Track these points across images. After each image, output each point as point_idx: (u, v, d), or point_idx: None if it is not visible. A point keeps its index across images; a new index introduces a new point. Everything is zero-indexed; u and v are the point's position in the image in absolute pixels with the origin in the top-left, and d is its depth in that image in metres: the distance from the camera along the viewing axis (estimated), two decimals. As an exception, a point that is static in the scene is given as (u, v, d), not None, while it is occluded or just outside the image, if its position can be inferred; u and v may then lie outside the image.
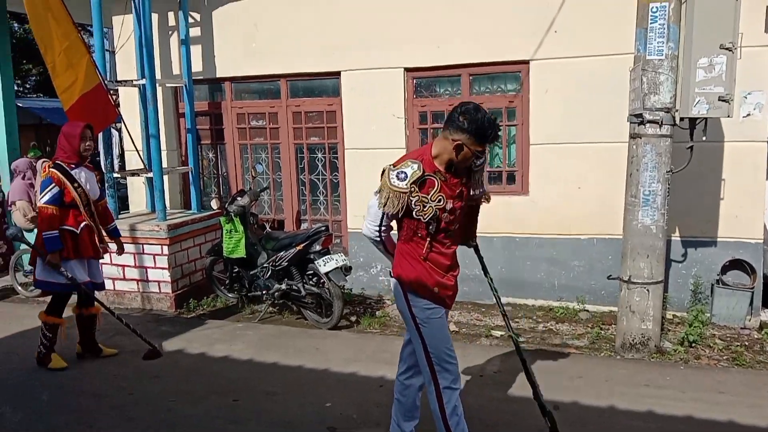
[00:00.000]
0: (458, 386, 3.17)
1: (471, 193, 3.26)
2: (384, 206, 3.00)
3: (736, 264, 5.73)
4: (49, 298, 5.01)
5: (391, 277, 3.24)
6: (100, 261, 5.13)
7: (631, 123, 4.96)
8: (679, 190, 5.52)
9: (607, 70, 5.83)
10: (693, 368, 4.82)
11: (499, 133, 3.17)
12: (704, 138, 4.95)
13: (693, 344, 5.17)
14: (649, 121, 4.79)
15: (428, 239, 3.08)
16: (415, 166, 2.98)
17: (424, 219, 3.00)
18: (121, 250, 5.34)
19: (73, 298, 5.05)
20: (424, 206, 2.98)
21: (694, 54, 4.57)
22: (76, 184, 4.72)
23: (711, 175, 5.76)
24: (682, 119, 4.79)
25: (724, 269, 5.75)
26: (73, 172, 4.74)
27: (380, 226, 3.13)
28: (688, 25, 4.62)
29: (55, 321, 4.91)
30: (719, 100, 4.57)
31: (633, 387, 4.43)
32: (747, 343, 5.32)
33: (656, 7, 4.61)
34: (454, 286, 3.24)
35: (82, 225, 4.80)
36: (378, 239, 3.19)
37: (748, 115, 5.25)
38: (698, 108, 4.63)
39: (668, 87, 4.71)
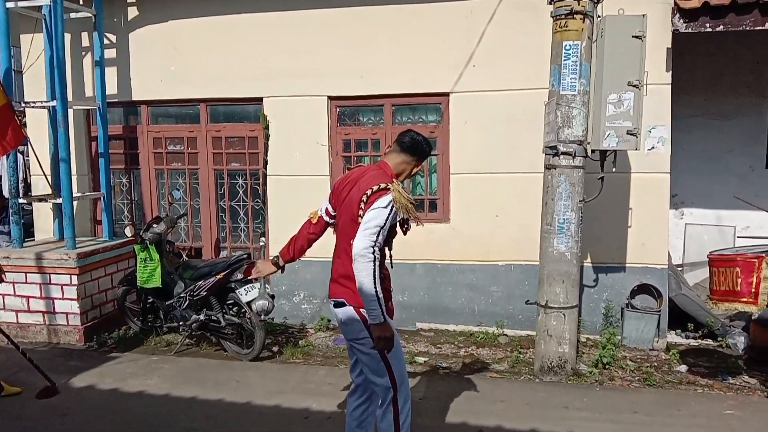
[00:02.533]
0: (410, 404, 3.32)
1: None
2: (391, 219, 3.09)
3: (643, 288, 6.05)
4: None
5: (338, 306, 3.24)
6: None
7: (546, 154, 5.17)
8: (590, 219, 5.78)
9: (523, 104, 6.08)
10: (608, 389, 5.01)
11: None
12: (614, 169, 5.25)
13: (607, 366, 5.38)
14: (563, 153, 5.01)
15: (389, 252, 3.29)
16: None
17: (404, 234, 3.33)
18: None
19: None
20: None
21: (604, 90, 4.85)
22: None
23: (620, 205, 6.08)
24: (593, 151, 5.06)
25: (633, 293, 6.05)
26: None
27: (375, 242, 3.03)
28: (598, 63, 4.90)
29: None
30: (628, 133, 4.85)
31: (553, 409, 4.56)
32: (656, 364, 5.59)
33: (569, 45, 4.86)
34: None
35: None
36: (371, 255, 3.01)
37: (653, 148, 5.60)
38: (608, 141, 4.89)
39: (581, 121, 4.95)
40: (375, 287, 2.99)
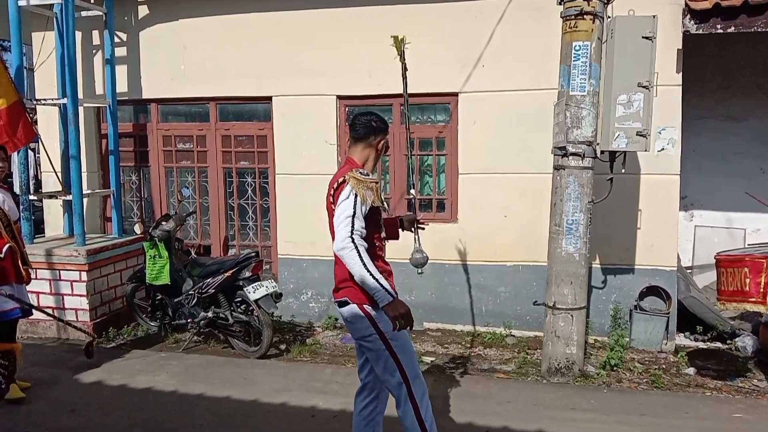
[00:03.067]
0: (428, 396, 3.24)
1: None
2: (359, 204, 3.07)
3: (652, 290, 6.02)
4: None
5: (342, 305, 3.22)
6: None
7: (555, 155, 5.16)
8: (599, 220, 5.76)
9: (532, 104, 6.07)
10: (615, 391, 5.00)
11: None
12: (623, 170, 5.22)
13: (614, 368, 5.37)
14: (572, 154, 4.99)
15: (384, 242, 3.33)
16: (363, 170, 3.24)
17: (386, 214, 3.34)
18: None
19: None
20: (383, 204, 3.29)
21: (614, 91, 4.83)
22: None
23: (629, 206, 6.06)
24: (602, 152, 5.04)
25: (642, 295, 6.02)
26: None
27: (351, 232, 3.02)
28: (608, 64, 4.88)
29: (7, 347, 4.61)
30: (637, 134, 4.83)
31: (560, 411, 4.55)
32: (664, 366, 5.57)
33: (579, 46, 4.85)
34: None
35: (5, 248, 4.53)
36: (350, 244, 3.00)
37: (662, 149, 5.57)
38: (618, 142, 4.87)
39: (590, 121, 4.94)
40: (369, 271, 2.99)
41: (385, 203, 3.28)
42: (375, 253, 3.22)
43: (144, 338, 6.37)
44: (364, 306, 3.14)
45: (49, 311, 5.56)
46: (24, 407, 4.58)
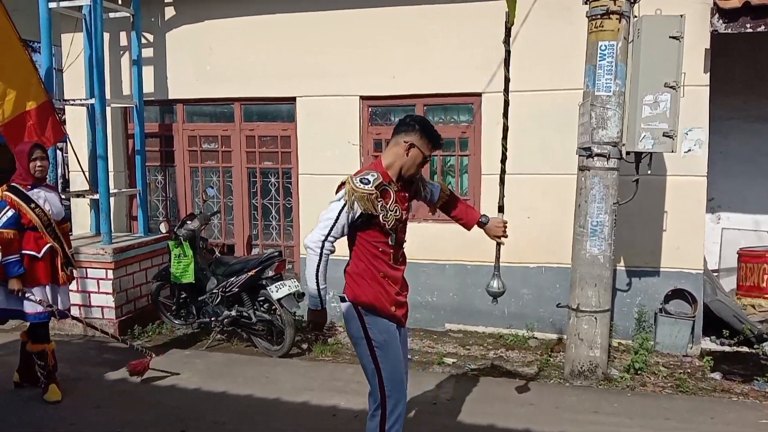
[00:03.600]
0: (403, 409, 3.22)
1: (425, 195, 3.48)
2: (345, 212, 3.04)
3: (678, 293, 5.93)
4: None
5: (343, 301, 3.22)
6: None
7: (579, 156, 5.12)
8: (624, 222, 5.70)
9: (556, 105, 6.03)
10: (639, 395, 4.93)
11: (442, 142, 3.35)
12: (649, 172, 5.17)
13: (639, 371, 5.30)
14: (597, 155, 4.95)
15: (391, 252, 3.19)
16: (376, 175, 3.10)
17: (389, 225, 3.11)
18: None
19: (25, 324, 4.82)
20: (387, 213, 3.11)
21: (640, 91, 4.78)
22: (33, 205, 4.52)
23: (655, 208, 5.98)
24: (628, 153, 4.98)
25: (667, 298, 5.94)
26: (30, 193, 4.54)
27: (326, 236, 3.05)
28: (634, 64, 4.83)
29: (40, 348, 4.68)
30: (664, 135, 4.77)
31: (582, 414, 4.50)
32: (689, 371, 5.49)
33: (605, 46, 4.80)
34: (406, 304, 3.34)
35: (44, 248, 4.57)
36: (318, 249, 3.05)
37: (689, 150, 5.48)
38: (644, 143, 4.82)
39: (616, 122, 4.89)
40: (317, 279, 3.08)
41: (388, 212, 3.09)
42: (380, 260, 3.17)
43: (168, 336, 6.45)
44: (359, 308, 3.17)
45: (80, 316, 5.56)
46: (50, 403, 4.65)
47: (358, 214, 3.05)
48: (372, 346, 3.15)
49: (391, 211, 3.12)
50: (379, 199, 3.07)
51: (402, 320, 3.31)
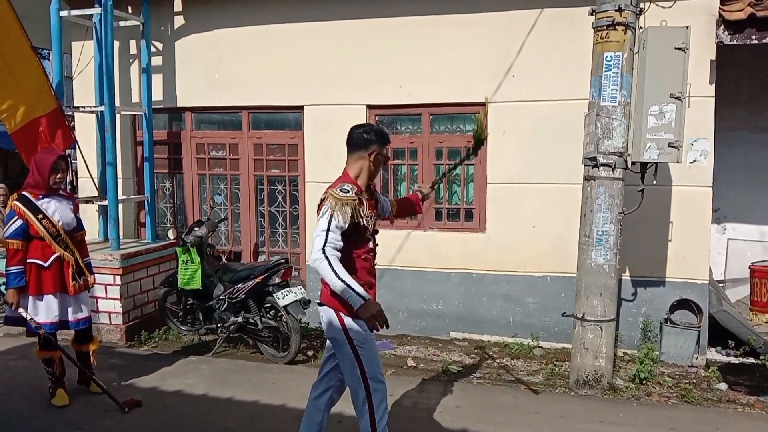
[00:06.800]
0: (386, 401, 3.40)
1: (381, 206, 3.73)
2: (334, 220, 3.17)
3: (683, 304, 5.93)
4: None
5: (321, 305, 3.37)
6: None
7: (585, 165, 5.14)
8: (629, 232, 5.71)
9: (561, 114, 6.06)
10: (644, 405, 4.94)
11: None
12: (654, 182, 5.19)
13: (644, 381, 5.30)
14: (603, 165, 4.97)
15: (371, 257, 3.44)
16: (352, 185, 3.31)
17: (370, 230, 3.39)
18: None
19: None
20: (367, 219, 3.33)
21: (645, 102, 4.82)
22: (41, 216, 4.47)
23: (660, 218, 6.00)
24: (633, 163, 5.01)
25: (672, 308, 5.95)
26: (39, 203, 4.49)
27: (324, 244, 3.15)
28: (640, 75, 4.87)
29: (48, 355, 4.71)
30: (669, 146, 4.80)
31: (587, 423, 4.51)
32: (695, 381, 5.49)
33: (610, 56, 4.84)
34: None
35: (51, 258, 4.52)
36: (321, 255, 3.13)
37: (695, 161, 5.51)
38: (649, 153, 4.85)
39: (621, 132, 4.91)
40: (339, 277, 3.12)
41: (367, 218, 3.31)
42: (360, 265, 3.35)
43: (175, 342, 6.48)
44: (339, 313, 3.29)
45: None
46: (58, 408, 4.69)
47: (347, 224, 3.20)
48: (354, 345, 3.30)
49: (368, 217, 3.33)
50: (360, 205, 3.27)
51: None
